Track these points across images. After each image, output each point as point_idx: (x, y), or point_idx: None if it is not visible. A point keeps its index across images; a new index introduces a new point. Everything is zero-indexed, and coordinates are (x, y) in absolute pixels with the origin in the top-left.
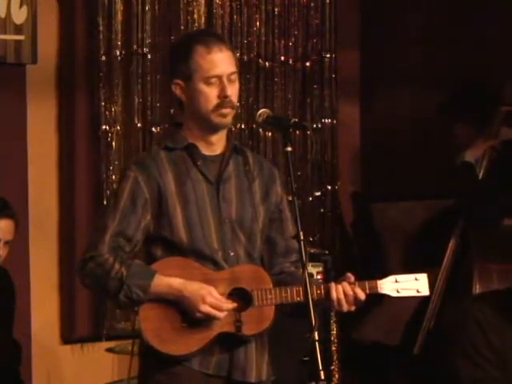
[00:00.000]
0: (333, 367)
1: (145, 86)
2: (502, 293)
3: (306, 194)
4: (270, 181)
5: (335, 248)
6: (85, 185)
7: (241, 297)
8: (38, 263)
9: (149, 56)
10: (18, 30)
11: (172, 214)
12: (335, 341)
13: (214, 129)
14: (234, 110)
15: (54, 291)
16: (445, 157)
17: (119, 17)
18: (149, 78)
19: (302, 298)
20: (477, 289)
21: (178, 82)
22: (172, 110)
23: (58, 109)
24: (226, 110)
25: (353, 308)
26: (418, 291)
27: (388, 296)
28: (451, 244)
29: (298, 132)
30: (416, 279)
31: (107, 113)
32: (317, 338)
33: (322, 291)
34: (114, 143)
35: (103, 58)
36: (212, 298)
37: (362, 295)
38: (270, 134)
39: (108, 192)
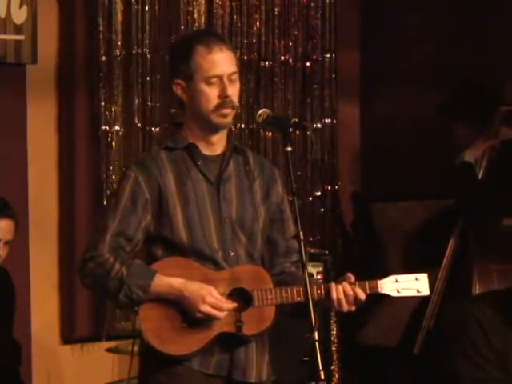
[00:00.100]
0: (333, 367)
1: (145, 86)
2: (502, 293)
3: (306, 194)
4: (271, 181)
5: (335, 248)
6: (85, 185)
7: (241, 297)
8: (38, 263)
9: (149, 56)
10: (18, 29)
11: (172, 214)
12: (335, 341)
13: (215, 129)
14: (234, 110)
15: (54, 291)
16: (445, 157)
17: (119, 17)
18: (149, 78)
19: (302, 298)
20: (477, 289)
21: (179, 81)
22: (172, 110)
23: (58, 109)
24: (226, 110)
25: (353, 308)
26: (418, 291)
27: (388, 296)
28: (451, 244)
29: (297, 132)
30: (416, 279)
31: (107, 113)
32: (317, 337)
33: (323, 291)
34: (113, 143)
35: (103, 58)
36: (212, 298)
37: (362, 295)
38: (270, 133)
39: (108, 192)
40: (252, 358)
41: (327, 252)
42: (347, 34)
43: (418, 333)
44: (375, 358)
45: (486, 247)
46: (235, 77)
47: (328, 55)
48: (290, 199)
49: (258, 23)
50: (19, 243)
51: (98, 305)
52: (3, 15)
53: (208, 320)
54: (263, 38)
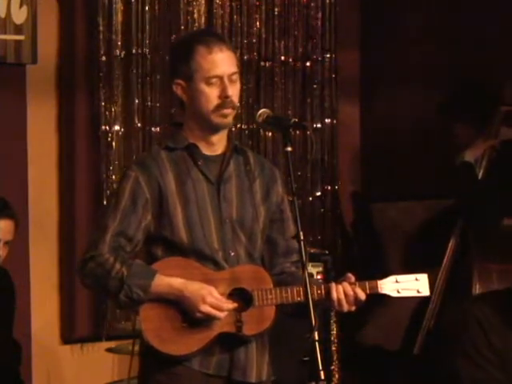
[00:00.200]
0: (333, 367)
1: (145, 86)
2: (502, 293)
3: (306, 194)
4: (271, 181)
5: (335, 248)
6: (85, 185)
7: (241, 297)
8: (38, 263)
9: (149, 56)
10: (18, 29)
11: (172, 214)
12: (335, 341)
13: (215, 129)
14: (234, 111)
15: (54, 291)
16: (445, 157)
17: (119, 17)
18: (149, 79)
19: (302, 298)
20: (477, 289)
21: (179, 82)
22: (173, 110)
23: (58, 109)
24: (226, 111)
25: (353, 308)
26: (418, 291)
27: (388, 296)
28: (451, 244)
29: (298, 132)
30: (416, 279)
31: (107, 113)
32: (317, 337)
33: (323, 291)
34: (114, 143)
35: (103, 58)
36: (212, 298)
37: (362, 295)
38: (270, 133)
39: (108, 192)
40: (252, 358)
41: (327, 252)
42: (347, 34)
43: (418, 333)
44: (375, 357)
45: (486, 247)
46: (235, 77)
47: (328, 55)
48: (290, 199)
49: (258, 23)
50: (19, 243)
51: (98, 305)
52: (3, 15)
53: (208, 320)
54: (263, 38)
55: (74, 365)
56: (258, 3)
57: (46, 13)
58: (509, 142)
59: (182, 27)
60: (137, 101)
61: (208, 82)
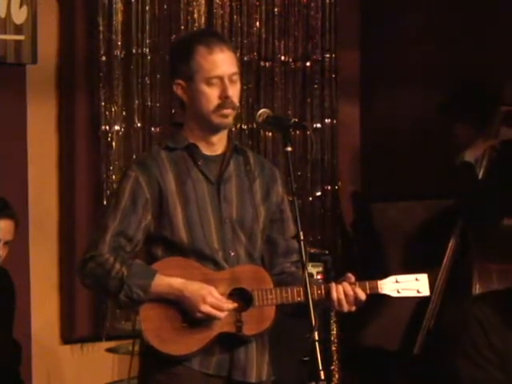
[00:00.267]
0: (333, 367)
1: (145, 86)
2: (502, 293)
3: (306, 194)
4: (271, 181)
5: (335, 248)
6: (85, 185)
7: (241, 297)
8: (38, 263)
9: (149, 56)
10: (18, 29)
11: (172, 214)
12: (335, 341)
13: (215, 129)
14: (234, 111)
15: (54, 291)
16: (445, 157)
17: (119, 17)
18: (149, 79)
19: (302, 298)
20: (477, 289)
21: (180, 82)
22: (173, 110)
23: (58, 109)
24: (226, 111)
25: (353, 308)
26: (418, 291)
27: (388, 296)
28: (451, 244)
29: (298, 132)
30: (416, 279)
31: (107, 113)
32: (317, 338)
33: (323, 291)
34: (114, 143)
35: (103, 58)
36: (212, 298)
37: (362, 295)
38: (270, 133)
39: (108, 192)
40: (252, 358)
41: (327, 252)
42: (347, 34)
43: (418, 333)
44: (375, 357)
45: (486, 247)
46: (236, 77)
47: (328, 55)
48: (290, 199)
49: (257, 23)
50: (19, 243)
51: (98, 305)
52: (3, 15)
53: (208, 320)
54: (263, 38)
55: (74, 365)
56: (257, 3)
57: (45, 13)
58: (509, 141)
59: (182, 27)
60: (137, 101)
61: (208, 83)
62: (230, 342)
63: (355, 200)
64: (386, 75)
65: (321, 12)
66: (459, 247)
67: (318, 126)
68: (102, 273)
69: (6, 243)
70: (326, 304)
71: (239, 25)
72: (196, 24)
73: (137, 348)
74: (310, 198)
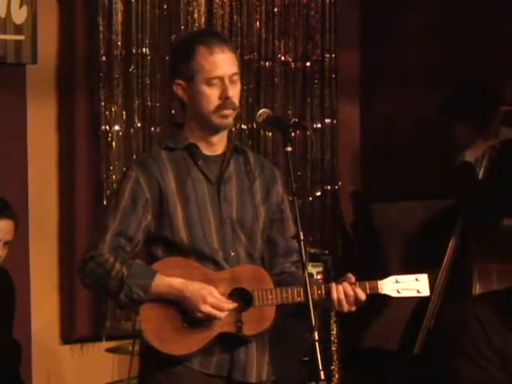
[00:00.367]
0: (333, 367)
1: (145, 86)
2: (502, 293)
3: (306, 194)
4: (271, 181)
5: (335, 248)
6: (85, 185)
7: (241, 297)
8: (38, 263)
9: (149, 56)
10: (18, 29)
11: (173, 214)
12: (335, 341)
13: (215, 129)
14: (235, 111)
15: (54, 291)
16: (445, 157)
17: (119, 17)
18: (149, 79)
19: (302, 298)
20: (477, 289)
21: (180, 82)
22: (173, 110)
23: (58, 109)
24: (227, 111)
25: (353, 308)
26: (418, 292)
27: (388, 296)
28: (451, 244)
29: (298, 132)
30: (416, 279)
31: (107, 113)
32: (317, 338)
33: (323, 291)
34: (114, 143)
35: (103, 58)
36: (213, 298)
37: (362, 295)
38: (270, 134)
39: (108, 192)
40: (252, 358)
41: (327, 252)
42: (347, 34)
43: (418, 333)
44: (375, 357)
45: (486, 247)
46: (236, 78)
47: (328, 55)
48: (290, 199)
49: (258, 23)
50: (19, 243)
51: (98, 305)
52: (3, 15)
53: (208, 320)
54: (263, 38)
55: (74, 365)
56: (257, 3)
57: (45, 13)
58: (509, 141)
59: (182, 27)
60: (137, 101)
61: (209, 83)
62: (230, 342)
63: (355, 200)
64: (386, 75)
65: (321, 12)
66: (459, 247)
67: (318, 126)
68: (102, 273)
69: (5, 243)
70: (326, 304)
71: (239, 25)
72: (196, 24)
73: (137, 348)
74: (310, 198)
